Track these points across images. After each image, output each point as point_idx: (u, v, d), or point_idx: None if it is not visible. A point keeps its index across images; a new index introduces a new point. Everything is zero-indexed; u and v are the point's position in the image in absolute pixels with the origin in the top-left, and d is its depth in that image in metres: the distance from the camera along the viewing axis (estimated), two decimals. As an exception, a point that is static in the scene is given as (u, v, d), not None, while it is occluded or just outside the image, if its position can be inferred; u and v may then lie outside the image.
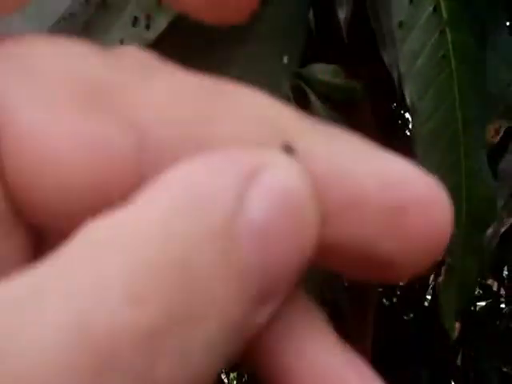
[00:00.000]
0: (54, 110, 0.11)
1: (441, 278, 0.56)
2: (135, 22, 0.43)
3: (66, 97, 0.11)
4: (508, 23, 0.88)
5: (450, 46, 0.51)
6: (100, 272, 0.09)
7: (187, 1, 0.13)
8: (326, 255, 0.12)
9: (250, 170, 0.10)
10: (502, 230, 0.63)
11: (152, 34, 0.43)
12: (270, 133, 0.12)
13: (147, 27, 0.43)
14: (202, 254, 0.09)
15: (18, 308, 0.09)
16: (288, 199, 0.10)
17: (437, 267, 1.38)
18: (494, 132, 0.64)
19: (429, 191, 0.11)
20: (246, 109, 0.12)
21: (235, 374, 1.79)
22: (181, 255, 0.09)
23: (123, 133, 0.11)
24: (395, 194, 0.11)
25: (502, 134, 0.64)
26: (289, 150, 0.11)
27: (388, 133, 1.02)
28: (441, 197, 0.11)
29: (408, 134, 1.20)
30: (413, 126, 0.52)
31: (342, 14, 0.53)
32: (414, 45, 0.51)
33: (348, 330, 0.96)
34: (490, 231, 0.60)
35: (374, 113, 0.79)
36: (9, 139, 0.11)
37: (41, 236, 0.12)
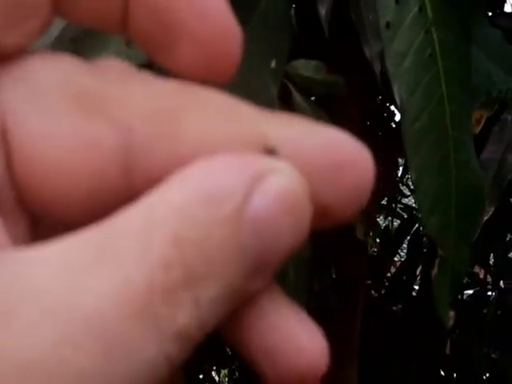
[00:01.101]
0: (54, 117, 0.14)
1: (435, 269, 0.57)
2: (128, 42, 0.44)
3: (62, 104, 0.14)
4: (490, 13, 0.89)
5: (437, 44, 0.51)
6: (138, 246, 0.12)
7: (178, 64, 0.15)
8: None
9: (259, 173, 0.13)
10: (485, 218, 0.63)
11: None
12: (234, 126, 0.14)
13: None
14: (213, 235, 0.12)
15: (83, 270, 0.12)
16: (287, 199, 0.13)
17: (425, 259, 1.39)
18: (475, 122, 0.64)
19: (358, 153, 0.14)
20: (214, 105, 0.14)
21: (226, 371, 1.80)
22: (197, 235, 0.12)
23: (113, 132, 0.14)
24: (335, 157, 0.14)
25: (483, 123, 0.64)
26: (272, 151, 0.14)
27: (374, 125, 1.03)
28: (366, 158, 0.14)
29: (393, 125, 1.21)
30: (402, 124, 0.53)
31: (323, 9, 0.54)
32: (401, 45, 0.51)
33: (336, 322, 0.96)
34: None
35: (359, 106, 0.80)
36: (18, 141, 0.14)
37: (36, 225, 0.15)
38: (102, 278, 0.12)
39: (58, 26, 0.44)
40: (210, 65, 0.15)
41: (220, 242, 0.12)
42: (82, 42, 0.44)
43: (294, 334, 0.14)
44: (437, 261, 0.55)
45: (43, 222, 0.15)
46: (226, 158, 0.13)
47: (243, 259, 0.13)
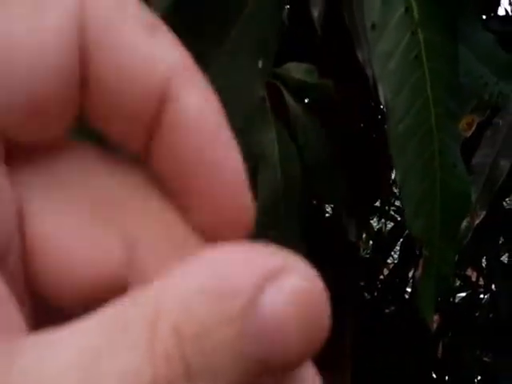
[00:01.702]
0: (68, 218, 0.15)
1: (418, 271, 0.57)
2: None
3: (77, 205, 0.15)
4: (484, 17, 0.89)
5: (423, 46, 0.51)
6: (145, 335, 0.12)
7: None
8: None
9: (272, 272, 0.12)
10: (477, 222, 0.64)
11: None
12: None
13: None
14: (213, 334, 0.12)
15: (94, 358, 0.12)
16: (302, 302, 0.12)
17: (416, 261, 1.40)
18: (466, 126, 0.64)
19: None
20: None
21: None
22: (196, 331, 0.12)
23: (119, 245, 0.15)
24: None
25: (474, 127, 0.65)
26: None
27: (367, 128, 1.03)
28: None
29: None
30: (387, 124, 0.53)
31: (316, 12, 0.54)
32: (387, 46, 0.51)
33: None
34: (464, 224, 0.61)
35: (352, 108, 0.80)
36: (32, 240, 0.14)
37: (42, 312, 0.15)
38: (113, 367, 0.12)
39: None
40: (218, 225, 0.15)
41: (220, 342, 0.12)
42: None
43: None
44: (421, 261, 0.55)
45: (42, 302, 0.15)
46: (235, 251, 0.13)
47: (245, 363, 0.12)
